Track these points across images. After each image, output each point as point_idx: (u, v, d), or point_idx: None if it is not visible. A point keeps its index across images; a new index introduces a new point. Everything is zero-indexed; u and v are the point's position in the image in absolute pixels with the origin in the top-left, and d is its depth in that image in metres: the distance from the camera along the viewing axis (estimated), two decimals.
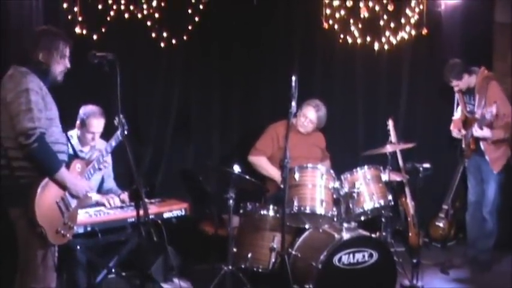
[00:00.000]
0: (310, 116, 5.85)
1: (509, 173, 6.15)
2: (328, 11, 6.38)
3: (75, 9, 5.61)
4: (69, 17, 5.61)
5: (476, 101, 5.96)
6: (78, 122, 5.00)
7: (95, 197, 4.99)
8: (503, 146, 5.98)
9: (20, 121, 3.53)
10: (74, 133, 5.01)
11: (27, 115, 3.53)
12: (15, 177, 3.62)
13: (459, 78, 6.02)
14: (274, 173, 5.73)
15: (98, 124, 4.95)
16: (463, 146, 6.16)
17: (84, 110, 4.98)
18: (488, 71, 6.14)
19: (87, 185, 3.96)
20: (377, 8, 6.45)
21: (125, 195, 5.20)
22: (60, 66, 3.85)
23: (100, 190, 5.24)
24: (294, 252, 5.06)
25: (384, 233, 5.77)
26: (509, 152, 6.06)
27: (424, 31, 6.59)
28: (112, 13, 5.82)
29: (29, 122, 3.52)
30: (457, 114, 6.34)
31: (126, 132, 4.51)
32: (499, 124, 5.81)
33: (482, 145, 5.96)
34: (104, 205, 4.95)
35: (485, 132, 5.80)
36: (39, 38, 3.82)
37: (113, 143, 4.63)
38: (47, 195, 3.65)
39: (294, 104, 4.75)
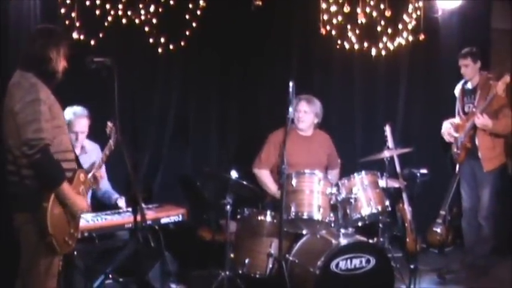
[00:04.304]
0: (302, 107, 5.69)
1: (504, 178, 6.17)
2: (325, 17, 6.38)
3: (73, 14, 5.61)
4: (67, 22, 5.60)
5: (477, 97, 5.97)
6: None
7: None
8: (499, 148, 5.99)
9: (25, 132, 3.50)
10: None
11: (32, 126, 3.50)
12: (24, 185, 3.60)
13: (474, 59, 6.03)
14: (273, 189, 5.62)
15: (79, 123, 4.99)
16: (454, 150, 6.17)
17: (67, 110, 4.99)
18: None
19: (85, 204, 3.87)
20: (374, 13, 6.45)
21: (121, 200, 5.20)
22: (62, 65, 3.83)
23: (95, 193, 5.24)
24: (291, 258, 5.06)
25: (381, 239, 5.77)
26: (503, 159, 6.07)
27: (422, 37, 6.60)
28: (110, 18, 5.82)
29: (34, 133, 3.50)
30: (456, 119, 6.33)
31: (116, 140, 4.52)
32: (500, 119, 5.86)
33: (477, 140, 5.93)
34: None
35: (486, 120, 5.78)
36: (49, 37, 3.80)
37: (107, 152, 4.64)
38: (58, 205, 3.62)
39: (291, 109, 4.76)
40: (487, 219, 6.01)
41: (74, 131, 4.97)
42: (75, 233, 3.84)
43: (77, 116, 4.99)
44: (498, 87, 5.71)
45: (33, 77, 3.64)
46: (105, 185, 5.30)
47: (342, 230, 5.10)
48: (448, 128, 6.24)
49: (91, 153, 5.13)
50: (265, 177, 5.73)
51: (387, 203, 5.37)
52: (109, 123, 4.74)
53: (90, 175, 4.18)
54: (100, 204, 5.25)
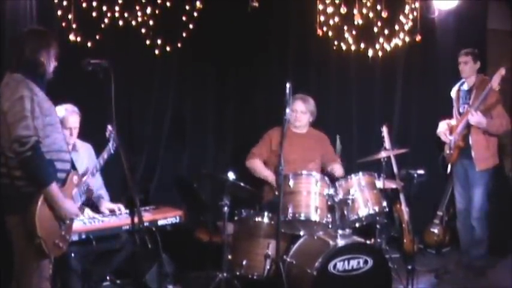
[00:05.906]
0: (299, 107, 5.76)
1: (497, 178, 6.18)
2: (322, 18, 6.39)
3: (70, 16, 5.61)
4: (64, 24, 5.60)
5: (472, 96, 5.98)
6: None
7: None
8: (493, 148, 6.00)
9: (15, 129, 3.49)
10: None
11: (21, 123, 3.49)
12: (16, 187, 3.58)
13: (475, 59, 6.06)
14: (267, 174, 5.66)
15: (72, 119, 4.95)
16: (447, 151, 6.17)
17: (57, 108, 4.96)
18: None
19: (74, 209, 3.83)
20: (371, 14, 6.46)
21: (105, 203, 5.16)
22: (52, 66, 3.84)
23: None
24: (288, 259, 5.06)
25: (378, 240, 5.76)
26: (496, 160, 6.07)
27: (418, 38, 6.61)
28: (106, 20, 5.82)
29: (24, 129, 3.49)
30: (453, 121, 6.33)
31: (115, 145, 4.51)
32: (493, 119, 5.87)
33: (471, 139, 5.93)
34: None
35: (480, 117, 5.79)
36: (39, 40, 3.80)
37: (105, 155, 4.62)
38: (48, 207, 3.61)
39: (288, 111, 4.76)
40: (478, 220, 6.01)
41: (68, 127, 4.93)
42: (67, 235, 3.82)
43: (68, 111, 4.95)
44: (493, 80, 5.71)
45: (20, 76, 3.64)
46: (97, 184, 5.26)
47: (339, 231, 5.09)
48: (444, 129, 6.24)
49: (82, 152, 5.11)
50: (258, 165, 5.77)
51: (384, 203, 5.36)
52: (109, 127, 4.73)
53: (84, 178, 4.16)
54: (94, 206, 5.23)
